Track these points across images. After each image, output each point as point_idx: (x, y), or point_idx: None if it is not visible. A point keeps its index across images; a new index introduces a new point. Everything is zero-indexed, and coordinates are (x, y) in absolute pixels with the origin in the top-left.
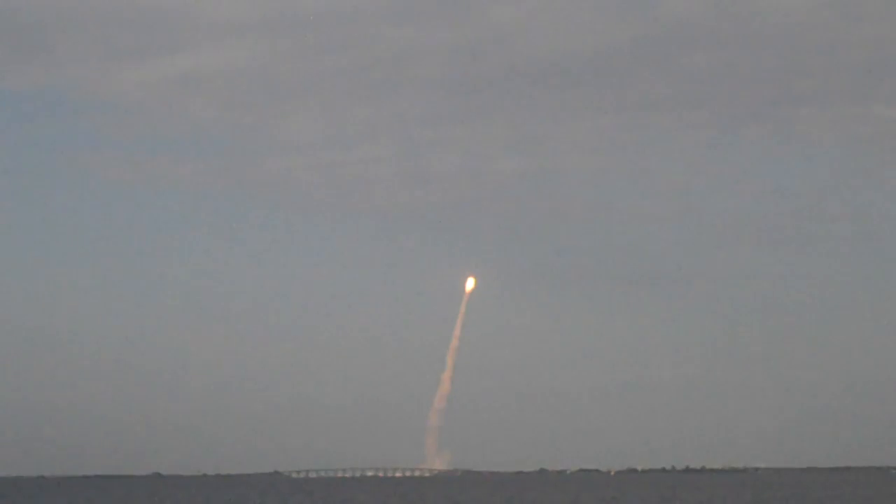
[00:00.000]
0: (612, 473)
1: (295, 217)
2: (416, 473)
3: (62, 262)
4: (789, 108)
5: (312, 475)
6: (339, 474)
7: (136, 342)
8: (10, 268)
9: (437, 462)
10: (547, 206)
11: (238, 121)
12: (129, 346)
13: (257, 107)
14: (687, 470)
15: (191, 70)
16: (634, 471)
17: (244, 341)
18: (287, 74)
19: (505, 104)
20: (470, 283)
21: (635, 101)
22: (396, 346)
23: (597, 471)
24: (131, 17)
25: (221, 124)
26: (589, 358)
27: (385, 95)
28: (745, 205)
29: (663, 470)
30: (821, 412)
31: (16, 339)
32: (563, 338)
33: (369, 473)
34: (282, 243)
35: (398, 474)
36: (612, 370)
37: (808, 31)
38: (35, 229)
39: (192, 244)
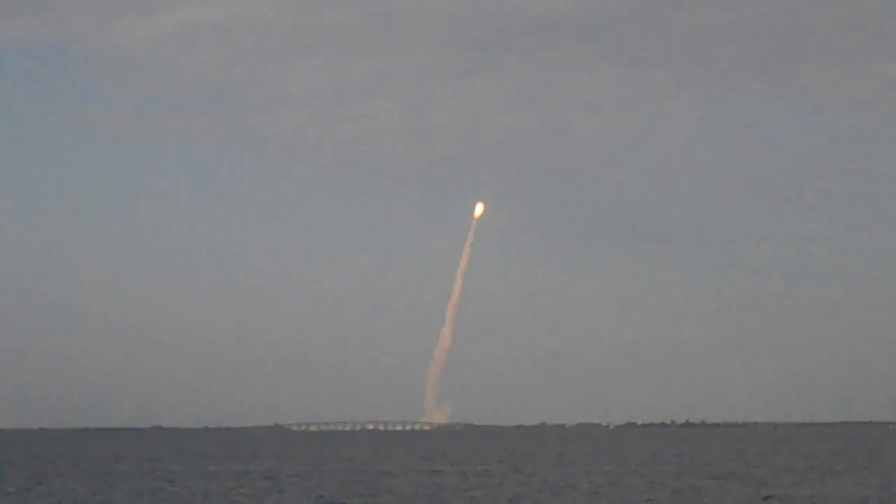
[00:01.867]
0: (611, 428)
1: (297, 170)
2: (416, 427)
3: (64, 214)
4: (790, 65)
5: (313, 428)
6: (340, 427)
7: (137, 295)
8: (12, 221)
9: (437, 416)
10: (549, 161)
11: (242, 75)
12: (130, 299)
13: (261, 61)
14: (686, 424)
15: (194, 24)
16: (634, 425)
17: (245, 295)
18: (291, 29)
19: (508, 59)
20: (478, 211)
21: (637, 57)
22: (397, 300)
23: (597, 425)
24: None
25: (225, 78)
26: (588, 313)
27: (388, 50)
28: (745, 162)
29: (662, 424)
30: (820, 368)
31: (18, 292)
32: (564, 293)
33: (369, 427)
34: (284, 196)
35: (398, 428)
36: (612, 325)
37: None
38: (38, 182)
39: (195, 197)
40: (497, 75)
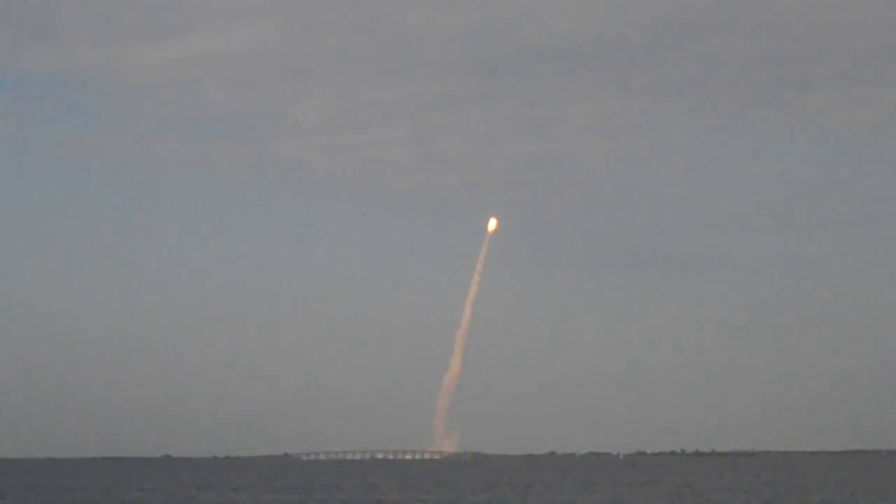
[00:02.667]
0: (621, 457)
1: (306, 199)
2: (426, 456)
3: (73, 243)
4: (798, 91)
5: (322, 457)
6: (349, 457)
7: (147, 324)
8: (21, 249)
9: (447, 445)
10: (559, 188)
11: (251, 103)
12: (140, 329)
13: (270, 89)
14: (696, 453)
15: (203, 52)
16: (644, 454)
17: (255, 324)
18: (300, 56)
19: (517, 87)
20: (491, 226)
21: (645, 85)
22: (406, 328)
23: (607, 454)
24: None
25: (234, 106)
26: (598, 341)
27: (398, 78)
28: (753, 188)
29: (672, 453)
30: (831, 395)
31: (27, 321)
32: (572, 321)
33: (379, 456)
34: (293, 225)
35: (408, 457)
36: (621, 353)
37: (818, 14)
38: (46, 211)
39: (205, 226)
40: (507, 102)
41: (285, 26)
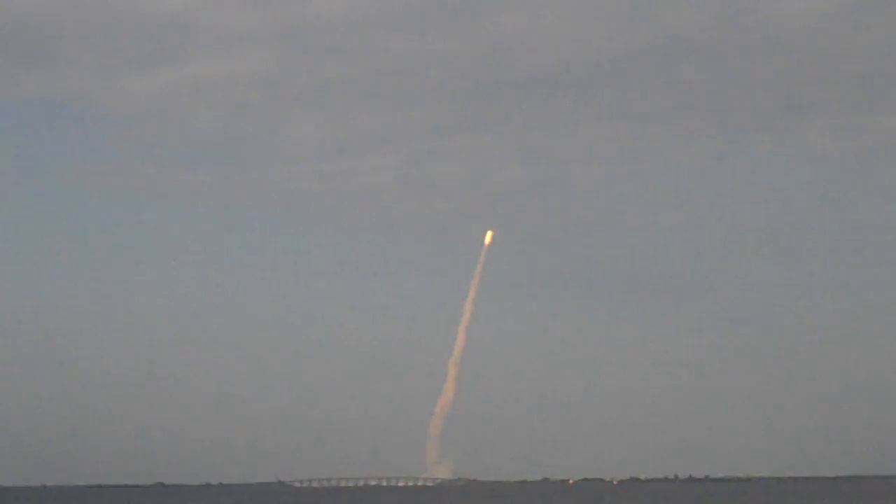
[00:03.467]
0: (615, 483)
1: (298, 225)
2: (419, 483)
3: (66, 271)
4: (792, 117)
5: (315, 484)
6: (342, 483)
7: (139, 351)
8: (14, 277)
9: (440, 471)
10: (551, 214)
11: (243, 130)
12: (131, 355)
13: (262, 116)
14: (690, 479)
15: (195, 79)
16: (637, 480)
17: (246, 349)
18: (292, 84)
19: (509, 114)
20: (488, 239)
21: (638, 111)
22: (398, 354)
23: (600, 480)
24: (136, 26)
25: (227, 134)
26: (591, 366)
27: (390, 105)
28: (748, 214)
29: (666, 479)
30: (827, 421)
31: (18, 348)
32: (566, 346)
33: (372, 483)
34: (286, 252)
35: (400, 483)
36: (615, 379)
37: (810, 40)
38: (40, 239)
39: (197, 253)
40: (499, 129)
41: (277, 54)
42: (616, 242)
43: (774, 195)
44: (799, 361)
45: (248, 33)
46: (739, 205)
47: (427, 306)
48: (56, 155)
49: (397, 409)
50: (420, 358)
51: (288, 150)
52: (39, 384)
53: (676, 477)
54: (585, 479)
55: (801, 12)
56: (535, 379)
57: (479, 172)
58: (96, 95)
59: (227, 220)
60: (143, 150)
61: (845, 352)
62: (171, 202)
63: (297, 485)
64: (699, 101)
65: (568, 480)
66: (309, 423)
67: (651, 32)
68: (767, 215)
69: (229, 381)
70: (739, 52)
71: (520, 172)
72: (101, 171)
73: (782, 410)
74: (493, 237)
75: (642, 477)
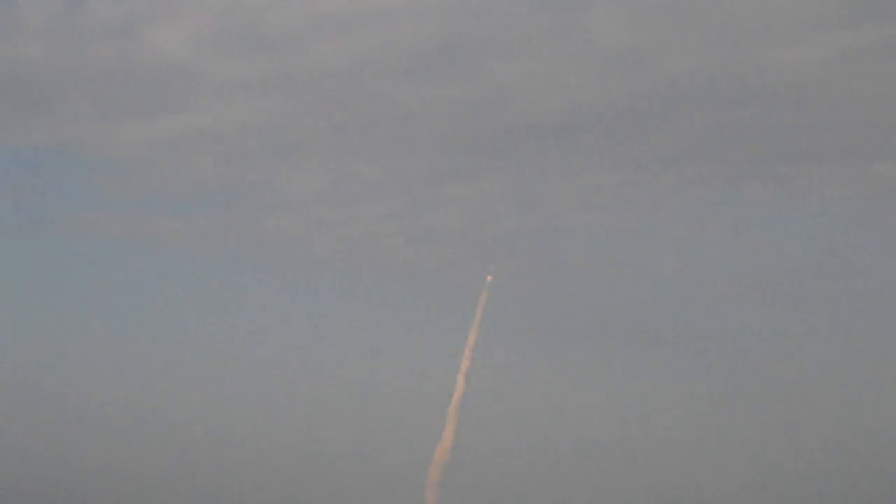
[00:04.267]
0: None
1: (298, 274)
2: None
3: (64, 320)
4: (791, 165)
5: None
6: None
7: (138, 397)
8: (11, 327)
9: None
10: (550, 262)
11: (241, 179)
12: (131, 401)
13: (261, 163)
14: None
15: (195, 127)
16: None
17: (244, 397)
18: (292, 132)
19: (508, 161)
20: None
21: (637, 159)
22: (397, 401)
23: None
24: (134, 74)
25: (225, 182)
26: (591, 414)
27: (388, 153)
28: (746, 262)
29: None
30: (825, 469)
31: (15, 399)
32: (566, 394)
33: None
34: (285, 300)
35: None
36: (615, 427)
37: (809, 88)
38: (37, 287)
39: (196, 302)
40: (498, 177)
41: (277, 102)
42: (616, 290)
43: (773, 243)
44: (799, 410)
45: (247, 81)
46: (738, 252)
47: (426, 353)
48: (54, 202)
49: (395, 455)
50: (419, 405)
51: (287, 197)
52: (40, 435)
53: None
54: None
55: (800, 60)
56: (535, 426)
57: (479, 220)
58: (95, 143)
59: (226, 267)
60: (141, 197)
61: (845, 401)
62: (170, 249)
63: None
64: (698, 149)
65: None
66: (305, 468)
67: (648, 81)
68: (766, 263)
69: (225, 429)
70: (738, 100)
71: (519, 220)
72: (98, 217)
73: (783, 458)
74: (493, 280)
75: None
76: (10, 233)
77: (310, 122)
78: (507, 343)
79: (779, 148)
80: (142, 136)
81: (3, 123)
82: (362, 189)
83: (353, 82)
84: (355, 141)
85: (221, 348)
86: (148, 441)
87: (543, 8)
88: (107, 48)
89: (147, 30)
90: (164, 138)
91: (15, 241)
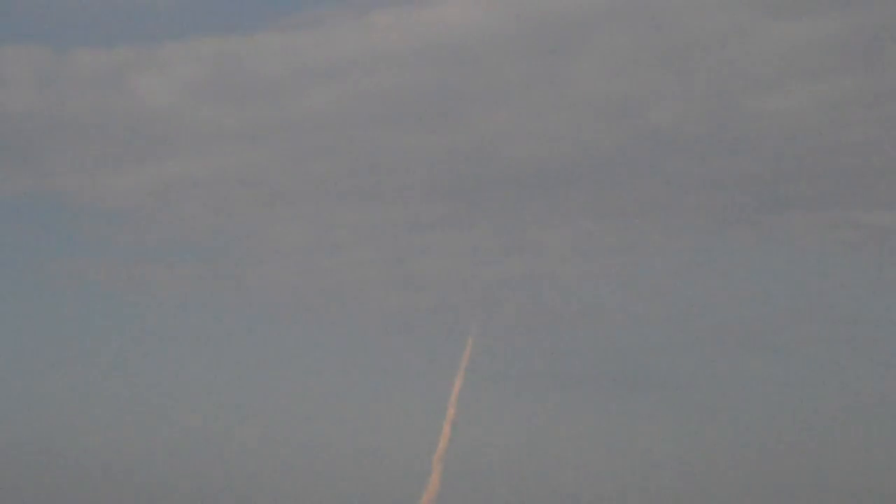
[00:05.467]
0: None
1: (284, 320)
2: None
3: (55, 368)
4: (773, 212)
5: None
6: None
7: (132, 447)
8: (5, 375)
9: None
10: (536, 309)
11: (228, 227)
12: (118, 449)
13: (247, 213)
14: None
15: (180, 177)
16: None
17: (230, 446)
18: (276, 180)
19: (494, 209)
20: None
21: (621, 207)
22: (383, 448)
23: None
24: (120, 124)
25: (211, 230)
26: (577, 461)
27: (374, 201)
28: (729, 309)
29: None
30: None
31: (11, 450)
32: (552, 441)
33: None
34: (270, 348)
35: None
36: (601, 474)
37: (794, 135)
38: (23, 335)
39: (182, 349)
40: (483, 225)
41: (263, 151)
42: (601, 337)
43: (757, 290)
44: (784, 457)
45: (233, 130)
46: (722, 299)
47: (412, 401)
48: (40, 250)
49: (381, 501)
50: (404, 453)
51: (273, 244)
52: (31, 479)
53: None
54: None
55: (783, 109)
56: (521, 474)
57: (464, 267)
58: (81, 192)
59: (211, 316)
60: (128, 245)
61: (831, 447)
62: (157, 297)
63: None
64: (682, 197)
65: None
66: None
67: (635, 128)
68: (750, 310)
69: (210, 479)
70: (722, 149)
71: (505, 267)
72: (85, 266)
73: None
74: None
75: None
76: (1, 281)
77: (296, 171)
78: (493, 390)
79: (762, 196)
80: (128, 185)
81: None
82: (348, 237)
83: (339, 131)
84: (341, 189)
85: (207, 396)
86: (135, 491)
87: (529, 57)
88: (93, 97)
89: (133, 79)
90: (150, 187)
91: (6, 290)
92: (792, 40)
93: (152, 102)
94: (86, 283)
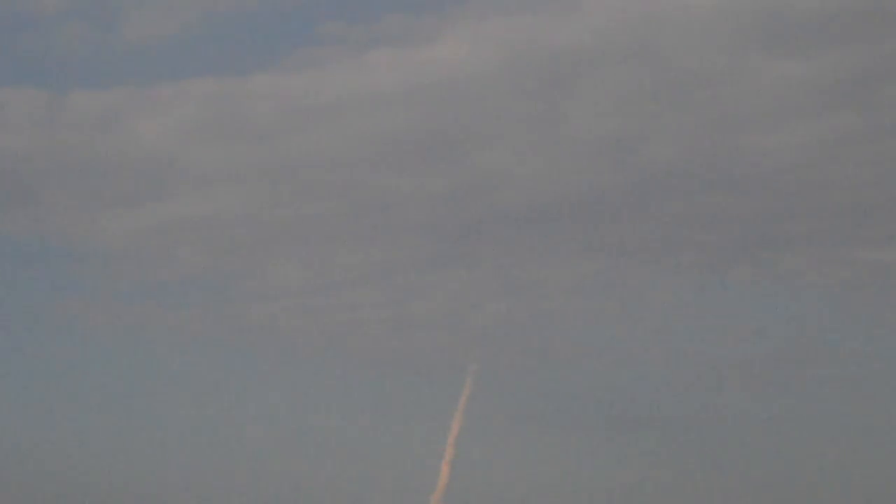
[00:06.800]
0: None
1: (281, 362)
2: None
3: (50, 410)
4: (772, 250)
5: None
6: None
7: (131, 488)
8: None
9: None
10: (534, 350)
11: (224, 268)
12: (116, 488)
13: (244, 253)
14: None
15: (176, 218)
16: None
17: (228, 487)
18: (273, 221)
19: (493, 249)
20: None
21: (620, 245)
22: (381, 490)
23: None
24: (116, 165)
25: (208, 271)
26: (579, 501)
27: (372, 242)
28: (730, 348)
29: None
30: None
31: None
32: (551, 481)
33: None
34: (267, 389)
35: None
36: None
37: (792, 174)
38: (22, 377)
39: (180, 390)
40: (482, 265)
41: (260, 192)
42: (600, 376)
43: (757, 328)
44: (784, 496)
45: (229, 171)
46: (722, 338)
47: (410, 441)
48: (35, 292)
49: None
50: (403, 493)
51: (270, 285)
52: None
53: None
54: None
55: (781, 146)
56: None
57: (463, 307)
58: (77, 233)
59: (209, 355)
60: (124, 287)
61: (827, 485)
62: (153, 338)
63: None
64: (681, 235)
65: None
66: None
67: (633, 167)
68: (750, 348)
69: None
70: (721, 186)
71: (503, 307)
72: (81, 307)
73: None
74: (478, 368)
75: None
76: None
77: (293, 211)
78: (491, 430)
79: (761, 234)
80: (125, 227)
81: None
82: (346, 277)
83: (335, 171)
84: (339, 229)
85: (205, 437)
86: None
87: (526, 97)
88: (89, 139)
89: (129, 121)
90: (146, 228)
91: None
92: (789, 78)
93: (149, 144)
94: (84, 324)
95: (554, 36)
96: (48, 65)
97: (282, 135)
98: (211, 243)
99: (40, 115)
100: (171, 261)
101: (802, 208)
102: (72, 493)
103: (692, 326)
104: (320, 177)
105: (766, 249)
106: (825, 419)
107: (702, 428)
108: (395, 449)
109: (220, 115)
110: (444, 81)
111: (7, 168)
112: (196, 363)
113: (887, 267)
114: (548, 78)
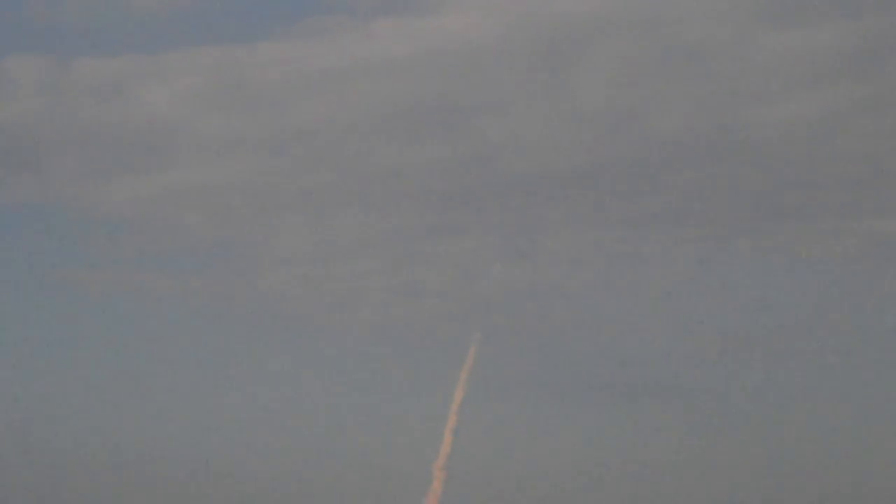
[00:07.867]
0: None
1: (286, 329)
2: None
3: (54, 379)
4: (776, 222)
5: None
6: None
7: (134, 449)
8: (4, 387)
9: None
10: (538, 318)
11: (229, 235)
12: (123, 460)
13: (249, 222)
14: None
15: (182, 186)
16: None
17: (233, 451)
18: (278, 190)
19: (496, 218)
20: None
21: (625, 216)
22: (384, 457)
23: None
24: (122, 133)
25: (213, 239)
26: (579, 470)
27: (376, 210)
28: (734, 318)
29: None
30: None
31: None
32: (554, 450)
33: None
34: (271, 355)
35: None
36: (604, 482)
37: (795, 145)
38: (27, 347)
39: (185, 359)
40: (486, 233)
41: (265, 160)
42: (603, 345)
43: (761, 299)
44: (788, 470)
45: (235, 140)
46: (726, 308)
47: (413, 409)
48: (41, 260)
49: None
50: (406, 461)
51: (274, 255)
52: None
53: None
54: None
55: (786, 118)
56: (522, 483)
57: (466, 276)
58: (84, 201)
59: (213, 324)
60: (130, 254)
61: (834, 456)
62: (157, 306)
63: None
64: (686, 206)
65: None
66: None
67: (638, 138)
68: (754, 319)
69: (206, 480)
70: (726, 158)
71: (507, 276)
72: (86, 276)
73: None
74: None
75: None
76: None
77: (297, 180)
78: (494, 398)
79: (766, 205)
80: (131, 194)
81: None
82: (349, 246)
83: (341, 140)
84: (343, 198)
85: (209, 403)
86: (131, 490)
87: (531, 67)
88: (96, 108)
89: (136, 89)
90: (152, 196)
91: (3, 297)
92: (793, 50)
93: (155, 111)
94: (88, 291)
95: (559, 5)
96: (55, 32)
97: (286, 104)
98: (217, 211)
99: (47, 82)
100: (175, 228)
101: (807, 179)
102: (74, 454)
103: (696, 297)
104: (324, 146)
105: (770, 221)
106: (828, 388)
107: (704, 397)
108: (399, 417)
109: (227, 84)
110: (450, 50)
111: (13, 135)
112: (199, 330)
113: (890, 237)
114: (553, 48)
